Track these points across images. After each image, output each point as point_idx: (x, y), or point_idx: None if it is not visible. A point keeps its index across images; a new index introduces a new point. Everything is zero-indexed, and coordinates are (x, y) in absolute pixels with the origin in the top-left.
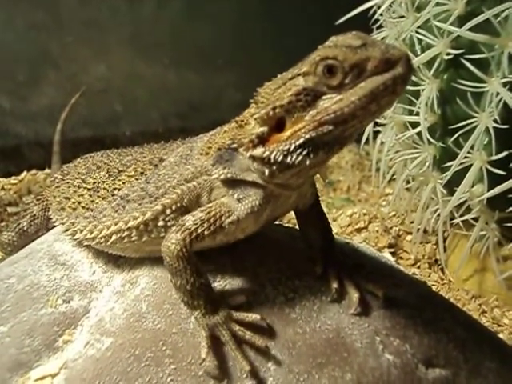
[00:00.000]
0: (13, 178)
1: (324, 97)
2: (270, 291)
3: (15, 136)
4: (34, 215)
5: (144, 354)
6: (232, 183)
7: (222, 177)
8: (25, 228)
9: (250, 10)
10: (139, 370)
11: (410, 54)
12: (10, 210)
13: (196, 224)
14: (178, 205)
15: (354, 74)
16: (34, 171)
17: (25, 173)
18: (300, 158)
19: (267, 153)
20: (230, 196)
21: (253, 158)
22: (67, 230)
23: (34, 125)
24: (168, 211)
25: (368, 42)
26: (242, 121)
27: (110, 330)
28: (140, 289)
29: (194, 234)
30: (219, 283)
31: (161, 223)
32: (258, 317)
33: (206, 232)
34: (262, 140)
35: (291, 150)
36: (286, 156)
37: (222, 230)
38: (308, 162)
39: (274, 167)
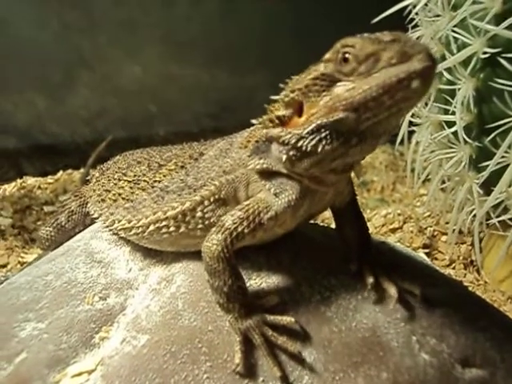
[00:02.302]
0: (49, 177)
1: (339, 83)
2: (306, 289)
3: (51, 136)
4: (72, 211)
5: (180, 351)
6: (268, 176)
7: (258, 167)
8: (63, 223)
9: (281, 9)
10: (175, 367)
11: (447, 53)
12: (46, 208)
13: (235, 223)
14: (216, 196)
15: (368, 64)
16: (69, 171)
17: (61, 172)
18: (312, 143)
19: (282, 134)
20: (266, 191)
21: (271, 139)
22: (106, 221)
23: (69, 125)
24: (206, 202)
25: (399, 39)
26: (274, 106)
27: (146, 327)
28: (176, 286)
29: (235, 234)
30: (255, 281)
31: (199, 214)
32: (293, 320)
33: (246, 230)
34: (282, 122)
35: (303, 134)
36: (298, 140)
37: (261, 226)
38: (320, 150)
39: (291, 153)
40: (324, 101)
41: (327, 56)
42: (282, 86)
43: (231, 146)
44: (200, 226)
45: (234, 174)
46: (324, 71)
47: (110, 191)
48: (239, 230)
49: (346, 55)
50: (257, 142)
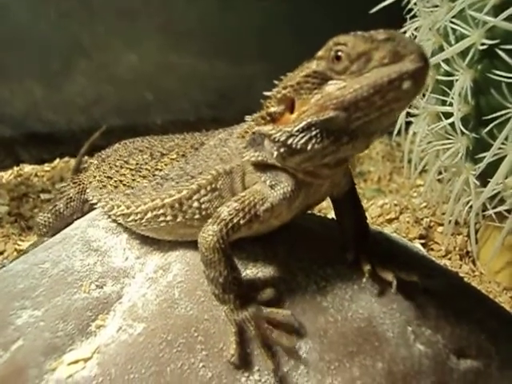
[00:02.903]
0: (46, 165)
1: (330, 82)
2: (302, 279)
3: (48, 124)
4: (71, 197)
5: (176, 339)
6: (263, 168)
7: (253, 159)
8: (61, 210)
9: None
10: (171, 356)
11: (445, 44)
12: (42, 196)
13: (231, 214)
14: (213, 186)
15: (360, 63)
16: (66, 158)
17: (57, 160)
18: (302, 141)
19: (273, 131)
20: (262, 182)
21: (262, 136)
22: (105, 206)
23: (66, 113)
24: (202, 191)
25: (393, 38)
26: (270, 102)
27: (143, 315)
28: (172, 275)
29: (230, 225)
30: (251, 271)
31: (195, 204)
32: (289, 312)
33: (241, 221)
34: (274, 119)
35: (293, 132)
36: (288, 138)
37: (257, 218)
38: (310, 148)
39: (282, 149)
40: (315, 99)
41: (320, 53)
42: (276, 82)
43: (230, 137)
44: (197, 216)
45: (231, 164)
46: (316, 69)
47: (111, 178)
48: (235, 221)
49: (339, 53)
50: (253, 133)
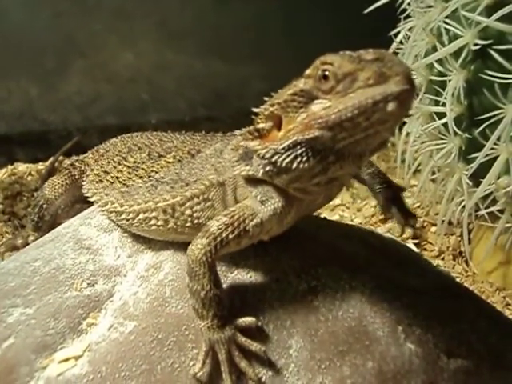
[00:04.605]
0: (40, 163)
1: (316, 101)
2: (293, 279)
3: (43, 123)
4: (82, 170)
5: (167, 338)
6: (255, 183)
7: (243, 173)
8: (76, 177)
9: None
10: (162, 354)
11: (438, 44)
12: (36, 195)
13: (220, 228)
14: (205, 196)
15: (346, 83)
16: (60, 158)
17: (52, 159)
18: (287, 159)
19: (259, 147)
20: (253, 197)
21: (249, 151)
22: (99, 201)
23: (61, 112)
24: (196, 200)
25: (382, 58)
26: (260, 118)
27: (134, 313)
28: (164, 274)
29: (219, 239)
30: (242, 270)
31: (188, 212)
32: (263, 348)
33: (230, 236)
34: (261, 135)
35: (278, 150)
36: (273, 155)
37: (246, 233)
38: (295, 166)
39: (267, 168)
40: (301, 117)
41: (308, 72)
42: (266, 99)
43: (225, 148)
44: (188, 224)
45: (223, 177)
46: (303, 87)
47: (108, 173)
48: (223, 235)
49: (326, 73)
50: (246, 147)
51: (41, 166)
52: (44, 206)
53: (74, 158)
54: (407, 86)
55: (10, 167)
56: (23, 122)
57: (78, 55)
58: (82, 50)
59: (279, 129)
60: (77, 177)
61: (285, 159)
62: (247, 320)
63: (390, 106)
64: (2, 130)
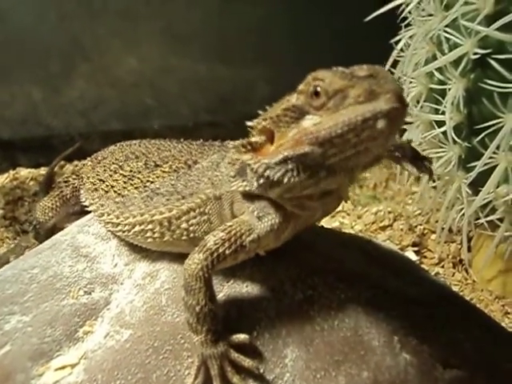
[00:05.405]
0: (42, 168)
1: (307, 117)
2: (289, 288)
3: (46, 127)
4: (76, 187)
5: (162, 346)
6: (252, 198)
7: (240, 189)
8: (67, 196)
9: (280, 3)
10: (157, 363)
11: (438, 53)
12: (33, 210)
13: (217, 244)
14: (201, 210)
15: (337, 99)
16: (62, 163)
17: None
18: (279, 174)
19: (251, 161)
20: (250, 213)
21: (242, 165)
22: (96, 211)
23: (64, 116)
24: (192, 214)
25: (375, 75)
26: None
27: (130, 322)
28: (160, 282)
29: (216, 254)
30: (239, 279)
31: (184, 225)
32: (255, 365)
33: (227, 251)
34: (254, 148)
35: (270, 164)
36: (265, 169)
37: (243, 249)
38: (286, 181)
39: (260, 181)
40: (292, 133)
41: (300, 87)
42: (260, 112)
43: (222, 161)
44: (184, 237)
45: (220, 191)
46: (295, 103)
47: (103, 181)
48: (220, 250)
49: (317, 89)
50: (242, 162)
51: (43, 171)
52: (37, 226)
53: (76, 162)
54: (397, 104)
55: (11, 172)
56: (27, 127)
57: (82, 59)
58: (86, 53)
59: (272, 143)
60: (68, 196)
61: (276, 173)
62: (240, 337)
63: (380, 124)
64: (5, 135)
